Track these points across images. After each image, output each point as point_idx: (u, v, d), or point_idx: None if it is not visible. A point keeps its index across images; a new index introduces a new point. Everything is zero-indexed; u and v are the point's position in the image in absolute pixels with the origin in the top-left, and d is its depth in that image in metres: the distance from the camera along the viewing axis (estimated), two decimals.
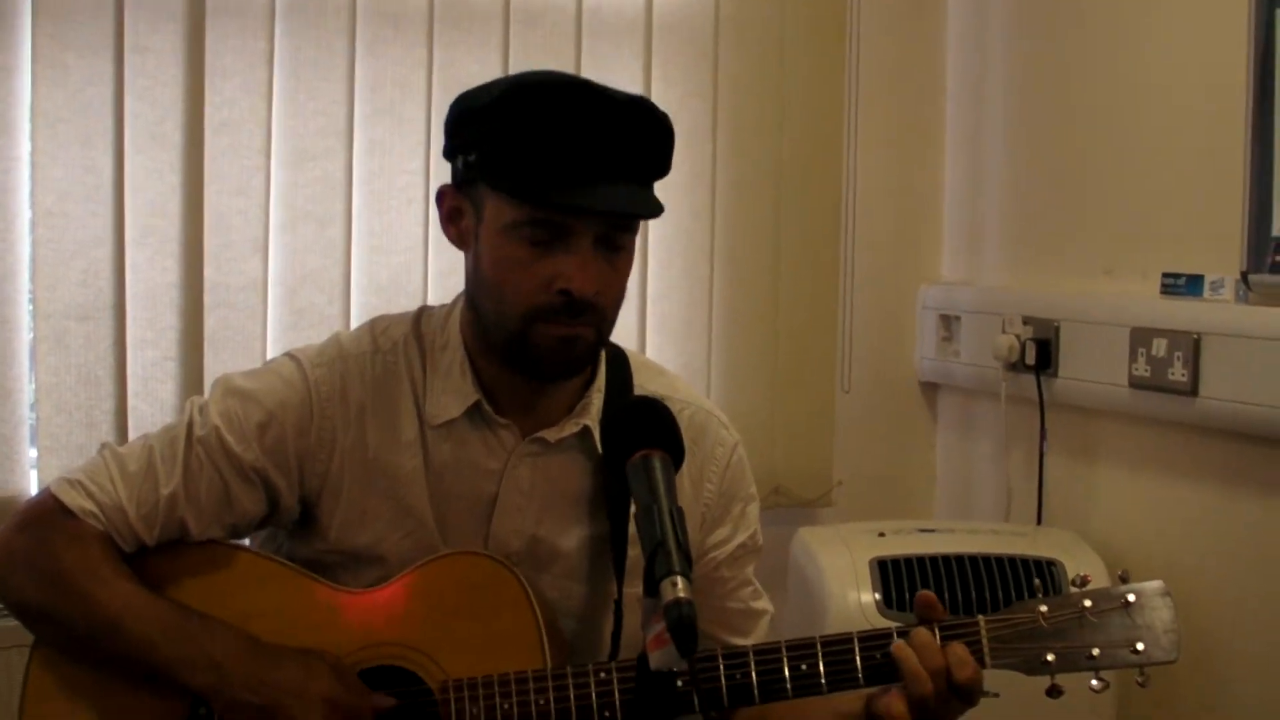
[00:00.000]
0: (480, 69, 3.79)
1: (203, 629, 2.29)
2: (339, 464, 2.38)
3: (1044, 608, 2.22)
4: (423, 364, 2.41)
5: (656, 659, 1.86)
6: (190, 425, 2.37)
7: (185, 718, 2.30)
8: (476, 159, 2.28)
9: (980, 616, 2.23)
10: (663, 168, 2.33)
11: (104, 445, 2.41)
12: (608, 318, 2.31)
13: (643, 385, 2.46)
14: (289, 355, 2.45)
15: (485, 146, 2.26)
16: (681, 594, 1.82)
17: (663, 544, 1.88)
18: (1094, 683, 2.22)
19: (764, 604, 2.55)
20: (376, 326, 2.47)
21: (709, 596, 2.43)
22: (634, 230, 2.32)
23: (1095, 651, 2.20)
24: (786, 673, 2.23)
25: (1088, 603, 2.22)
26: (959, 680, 2.19)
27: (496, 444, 2.39)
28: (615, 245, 2.29)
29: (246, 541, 2.50)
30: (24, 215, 3.55)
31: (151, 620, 2.28)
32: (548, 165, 2.21)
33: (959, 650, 2.20)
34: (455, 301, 2.45)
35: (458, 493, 2.39)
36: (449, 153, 2.37)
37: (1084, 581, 2.24)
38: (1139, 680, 2.21)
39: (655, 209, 2.29)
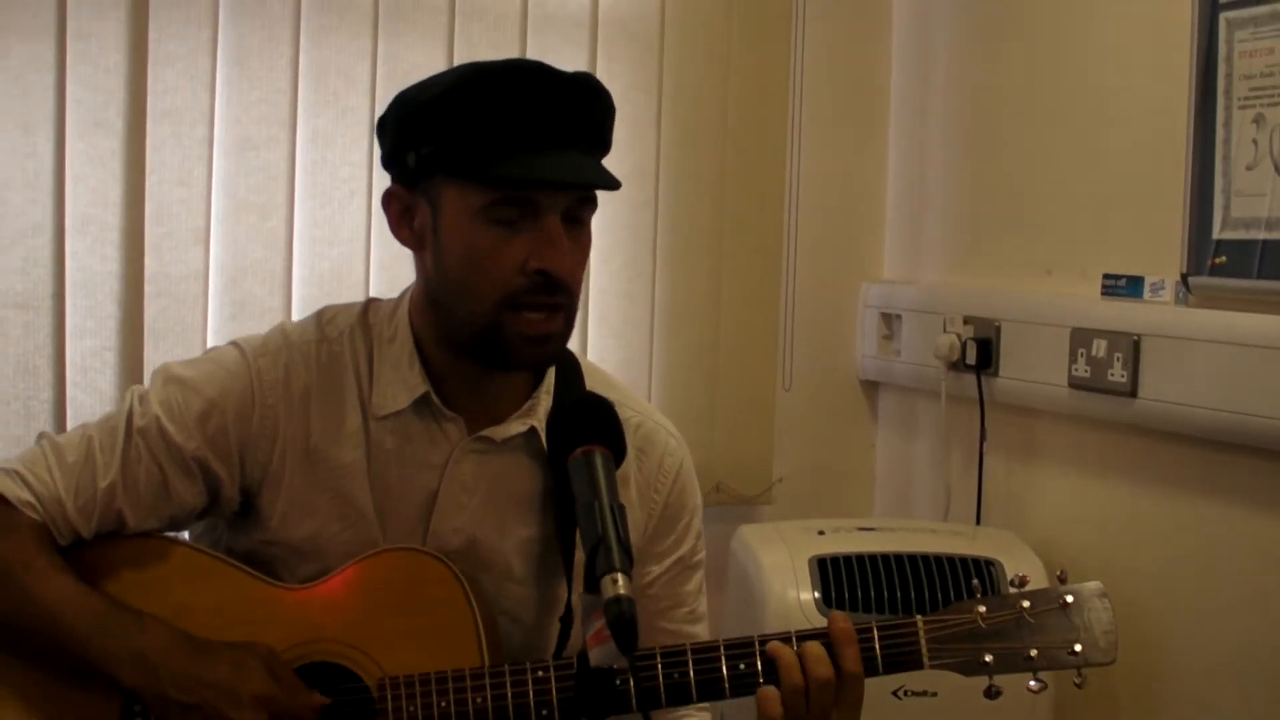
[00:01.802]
0: (425, 60, 3.77)
1: (135, 625, 2.26)
2: (280, 454, 2.36)
3: (982, 608, 2.22)
4: (369, 355, 2.39)
5: (596, 655, 1.87)
6: (130, 415, 2.35)
7: (120, 713, 2.28)
8: (432, 151, 2.26)
9: (918, 617, 2.23)
10: (607, 142, 2.34)
11: (42, 435, 2.39)
12: (575, 302, 2.31)
13: (593, 392, 2.45)
14: (233, 344, 2.43)
15: (441, 136, 2.25)
16: (622, 590, 1.82)
17: (603, 540, 1.88)
18: (1032, 684, 2.23)
19: (699, 629, 2.52)
20: (323, 316, 2.45)
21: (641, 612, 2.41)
22: (594, 204, 2.32)
23: (1033, 652, 2.21)
24: (725, 671, 2.22)
25: (1026, 603, 2.22)
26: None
27: (441, 438, 2.37)
28: (578, 219, 2.29)
29: (185, 533, 2.49)
30: None
31: (85, 615, 2.26)
32: (507, 142, 2.22)
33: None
34: (403, 295, 2.44)
35: (399, 486, 2.37)
36: (394, 153, 2.34)
37: (1023, 582, 2.24)
38: (1076, 681, 2.22)
39: (613, 179, 2.29)
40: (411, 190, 2.33)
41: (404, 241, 2.38)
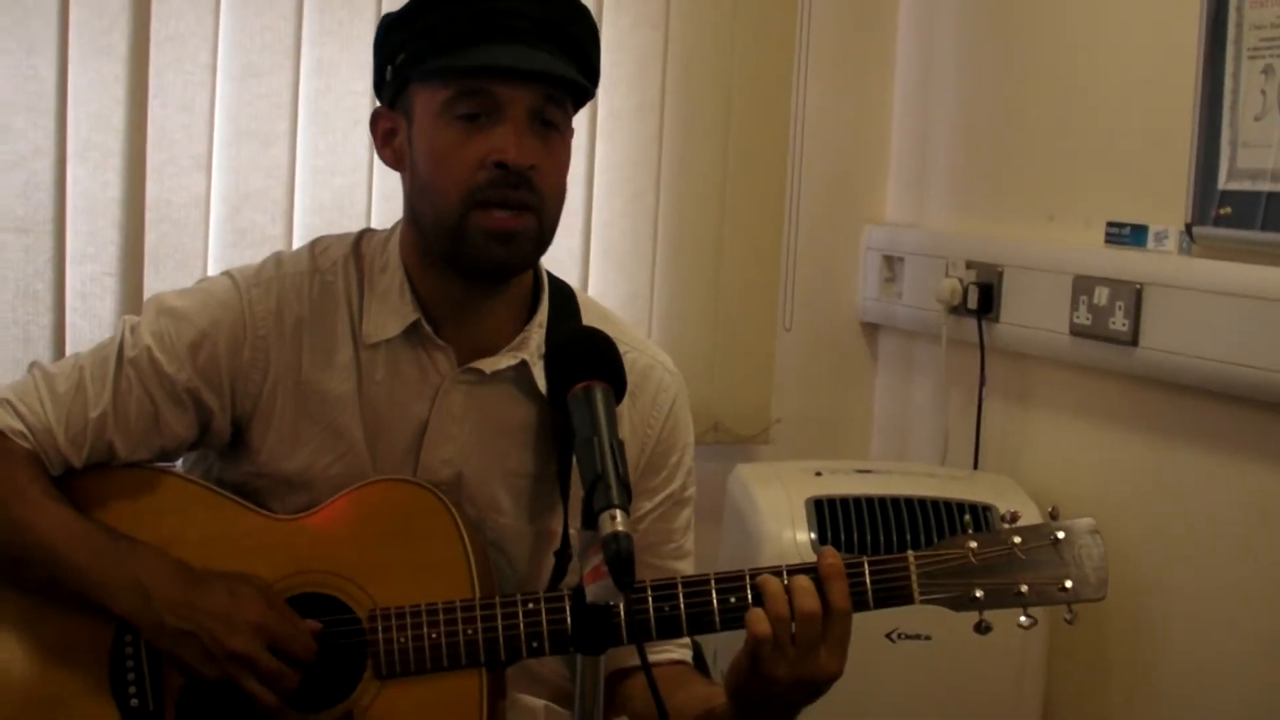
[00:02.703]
0: None
1: (130, 553, 2.27)
2: (272, 385, 2.36)
3: (974, 544, 2.22)
4: (360, 285, 2.39)
5: (593, 592, 1.86)
6: (121, 345, 2.35)
7: (112, 643, 2.29)
8: (403, 59, 2.29)
9: (910, 552, 2.23)
10: (583, 52, 2.33)
11: (34, 364, 2.39)
12: (548, 205, 2.29)
13: (593, 326, 2.44)
14: (226, 274, 2.43)
15: (409, 44, 2.28)
16: (620, 527, 1.82)
17: (602, 476, 1.87)
18: (1022, 619, 2.22)
19: (685, 566, 2.52)
20: (316, 246, 2.45)
21: None
22: (566, 110, 2.32)
23: (1024, 588, 2.21)
24: (715, 604, 2.22)
25: (1017, 539, 2.22)
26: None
27: (431, 367, 2.37)
28: (548, 121, 2.28)
29: (179, 463, 2.48)
30: None
31: (78, 544, 2.26)
32: (467, 34, 2.23)
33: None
34: (395, 225, 2.44)
35: (390, 417, 2.37)
36: (377, 74, 2.37)
37: (1014, 518, 2.24)
38: (1067, 618, 2.22)
39: (580, 81, 2.30)
40: (392, 109, 2.36)
41: (387, 162, 2.40)
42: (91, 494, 2.34)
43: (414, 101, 2.30)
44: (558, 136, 2.30)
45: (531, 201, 2.26)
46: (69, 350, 3.50)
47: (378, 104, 2.42)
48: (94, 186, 3.58)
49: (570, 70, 2.28)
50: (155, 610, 2.23)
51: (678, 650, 2.50)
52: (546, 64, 2.25)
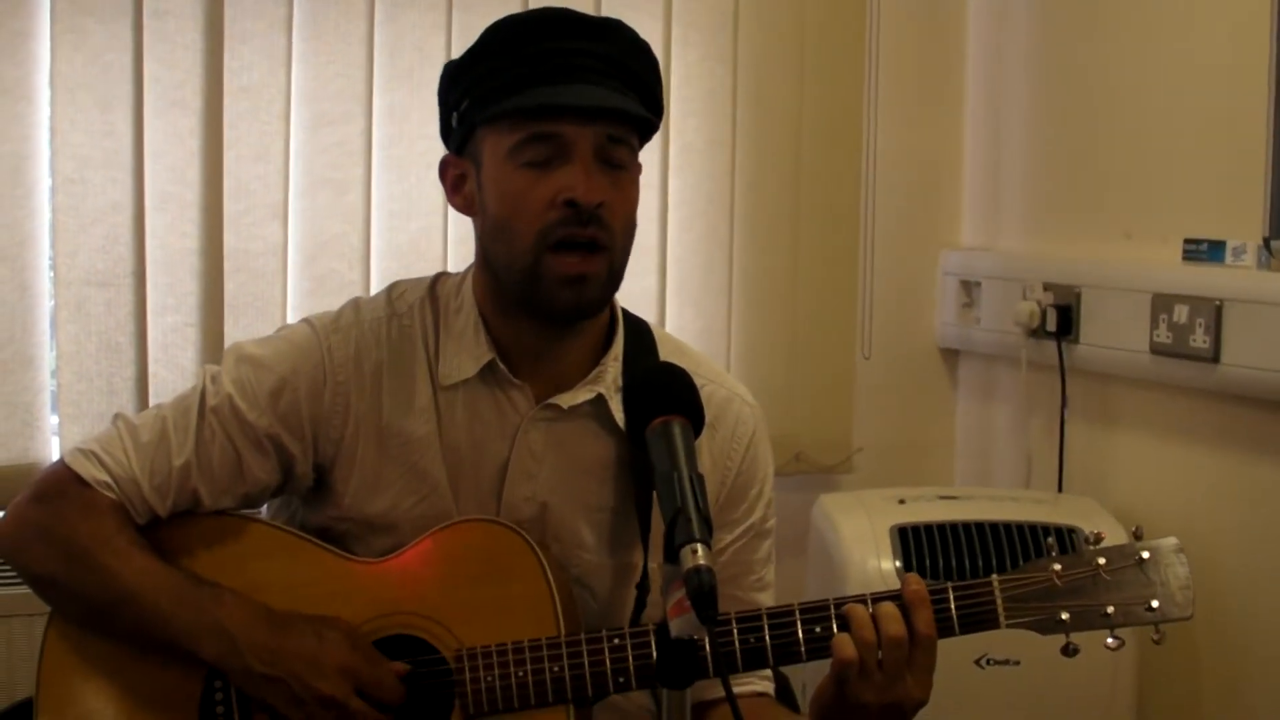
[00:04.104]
0: None
1: (215, 599, 2.28)
2: (353, 430, 2.37)
3: (1058, 566, 2.21)
4: (435, 327, 2.40)
5: (677, 626, 1.87)
6: (203, 394, 2.37)
7: (202, 689, 2.30)
8: (468, 105, 2.30)
9: (994, 576, 2.22)
10: (649, 89, 2.34)
11: (117, 415, 2.41)
12: (618, 242, 2.29)
13: (665, 359, 2.45)
14: (305, 321, 2.44)
15: (472, 86, 2.30)
16: (702, 561, 1.82)
17: (683, 510, 1.88)
18: (1109, 641, 2.21)
19: (765, 598, 2.52)
20: (393, 291, 2.46)
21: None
22: (633, 148, 2.33)
23: (1110, 609, 2.19)
24: (800, 635, 2.22)
25: (1102, 560, 2.21)
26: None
27: (509, 406, 2.38)
28: (615, 161, 2.28)
29: (263, 509, 2.50)
30: (44, 182, 3.55)
31: (164, 591, 2.28)
32: (530, 77, 2.25)
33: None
34: (469, 268, 2.45)
35: (471, 457, 2.38)
36: (444, 121, 2.39)
37: (1098, 539, 2.23)
38: (1154, 638, 2.20)
39: (644, 115, 2.31)
40: (460, 156, 2.38)
41: (458, 208, 2.41)
42: (177, 542, 2.35)
43: (481, 147, 2.31)
44: (625, 174, 2.31)
45: (602, 239, 2.26)
46: (152, 401, 3.54)
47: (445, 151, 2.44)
48: (172, 238, 3.61)
49: (634, 104, 2.29)
50: (242, 655, 2.24)
51: (760, 683, 2.50)
52: (611, 100, 2.26)
